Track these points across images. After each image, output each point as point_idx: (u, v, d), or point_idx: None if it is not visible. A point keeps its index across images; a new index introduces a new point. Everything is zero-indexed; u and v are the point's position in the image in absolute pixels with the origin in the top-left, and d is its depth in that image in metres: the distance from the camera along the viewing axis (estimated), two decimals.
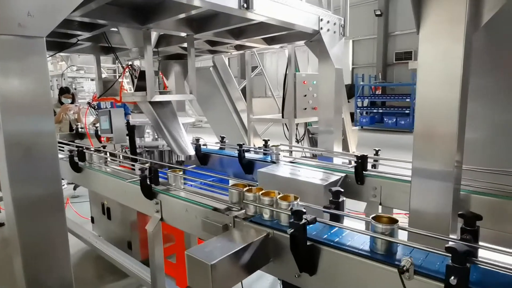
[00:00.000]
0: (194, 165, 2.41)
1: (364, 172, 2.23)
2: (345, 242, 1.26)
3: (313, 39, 3.60)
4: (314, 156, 3.75)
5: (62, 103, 6.00)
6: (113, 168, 2.55)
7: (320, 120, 3.66)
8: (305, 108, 4.67)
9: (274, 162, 2.79)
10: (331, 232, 1.34)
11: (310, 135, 6.15)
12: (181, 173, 2.01)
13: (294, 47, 4.51)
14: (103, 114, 2.97)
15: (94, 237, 3.15)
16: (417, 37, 1.67)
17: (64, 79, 10.64)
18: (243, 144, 2.97)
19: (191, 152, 3.05)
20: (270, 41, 4.12)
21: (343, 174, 2.30)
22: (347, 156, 2.48)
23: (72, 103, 6.07)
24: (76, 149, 2.92)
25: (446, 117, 1.57)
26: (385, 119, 15.42)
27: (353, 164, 2.29)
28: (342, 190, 1.49)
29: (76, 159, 2.85)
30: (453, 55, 1.53)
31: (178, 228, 1.93)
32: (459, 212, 1.17)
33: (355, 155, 2.24)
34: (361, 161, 2.20)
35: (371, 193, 2.20)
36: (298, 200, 1.51)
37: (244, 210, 1.62)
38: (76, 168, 2.86)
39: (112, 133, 2.90)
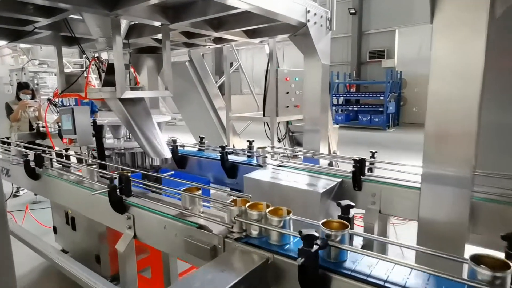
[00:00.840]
0: (173, 171, 2.13)
1: (361, 176, 2.03)
2: (368, 272, 1.03)
3: (298, 33, 3.38)
4: (293, 157, 3.55)
5: (20, 100, 5.45)
6: (77, 176, 2.21)
7: (306, 118, 3.46)
8: (287, 106, 4.46)
9: (260, 166, 2.55)
10: (344, 257, 1.11)
11: (291, 134, 5.97)
12: (159, 184, 1.71)
13: (275, 42, 4.27)
14: (65, 113, 2.61)
15: (55, 251, 2.77)
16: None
17: (24, 73, 9.84)
18: (226, 146, 2.70)
19: (168, 155, 2.75)
20: (251, 34, 3.86)
21: (339, 179, 2.09)
22: (343, 160, 2.27)
23: (32, 99, 5.53)
24: (32, 152, 2.53)
25: (463, 115, 1.39)
26: (359, 117, 15.58)
27: (348, 169, 2.09)
28: (353, 204, 1.27)
29: (32, 164, 2.47)
30: (473, 46, 1.34)
31: (155, 247, 1.64)
32: (502, 234, 0.98)
33: (353, 159, 2.04)
34: (359, 165, 2.00)
35: (369, 199, 2.01)
36: (291, 215, 1.27)
37: (234, 227, 1.36)
38: (32, 174, 2.48)
39: (75, 134, 2.54)
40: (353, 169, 2.01)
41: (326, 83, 3.41)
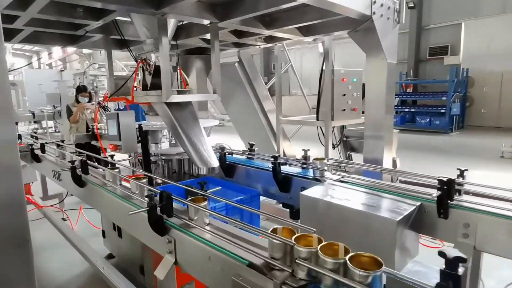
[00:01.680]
0: (219, 187, 1.89)
1: (449, 201, 1.63)
2: None
3: (360, 28, 3.00)
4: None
5: (79, 102, 5.64)
6: (120, 186, 2.06)
7: (367, 123, 3.06)
8: (344, 109, 4.06)
9: (318, 180, 2.23)
10: None
11: (345, 138, 5.53)
12: (204, 203, 1.48)
13: (332, 39, 3.91)
14: (111, 118, 2.51)
15: (100, 259, 2.69)
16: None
17: (86, 77, 10.42)
18: (278, 155, 2.42)
19: (215, 163, 2.54)
20: (305, 31, 3.54)
21: (417, 203, 1.71)
22: (426, 179, 1.87)
23: (89, 101, 5.70)
24: (79, 158, 2.45)
25: None
26: (417, 119, 14.43)
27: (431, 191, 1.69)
28: (465, 257, 0.91)
29: (79, 170, 2.39)
30: None
31: (199, 280, 1.41)
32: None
33: (438, 179, 1.64)
34: (447, 188, 1.60)
35: (460, 231, 1.60)
36: (383, 268, 0.93)
37: (294, 271, 1.07)
38: (79, 181, 2.40)
39: (120, 140, 2.42)
40: (439, 192, 1.61)
41: (391, 84, 2.99)
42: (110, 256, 3.52)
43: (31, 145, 3.43)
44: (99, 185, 2.20)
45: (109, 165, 2.41)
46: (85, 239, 3.28)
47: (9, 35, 3.20)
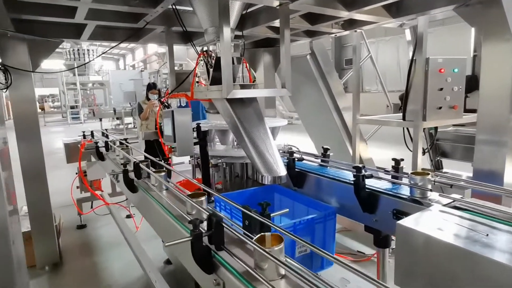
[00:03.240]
0: (287, 210, 1.46)
1: None
2: None
3: (472, 1, 2.31)
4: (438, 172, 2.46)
5: (149, 99, 5.70)
6: (171, 195, 1.76)
7: (481, 124, 2.36)
8: (440, 107, 3.31)
9: (417, 202, 1.66)
10: None
11: (435, 142, 4.67)
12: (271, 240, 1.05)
13: (427, 21, 3.19)
14: (166, 116, 2.24)
15: (154, 272, 2.46)
16: None
17: (159, 75, 10.84)
18: (363, 166, 1.89)
19: (282, 172, 2.11)
20: (394, 11, 2.92)
21: None
22: None
23: (159, 99, 5.73)
24: (133, 160, 2.23)
25: None
26: None
27: None
28: None
29: (131, 175, 2.16)
30: None
31: None
32: None
33: None
34: None
35: None
36: None
37: None
38: (131, 186, 2.17)
39: (175, 141, 2.13)
40: None
41: None
42: (168, 262, 3.34)
43: (97, 142, 3.39)
44: (149, 193, 1.92)
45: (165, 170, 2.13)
46: (143, 244, 3.13)
47: (77, 32, 3.18)
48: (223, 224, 1.17)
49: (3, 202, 0.97)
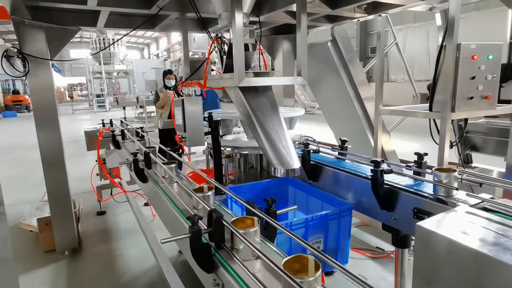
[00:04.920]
0: (295, 206, 1.37)
1: None
2: None
3: None
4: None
5: (166, 87, 5.64)
6: (180, 187, 1.70)
7: None
8: (471, 97, 3.07)
9: (441, 201, 1.52)
10: None
11: (465, 134, 4.40)
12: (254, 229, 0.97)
13: (459, 3, 2.94)
14: (177, 105, 2.17)
15: (165, 262, 2.45)
16: None
17: (180, 64, 10.88)
18: (382, 160, 1.76)
19: (296, 164, 2.01)
20: None
21: None
22: None
23: (175, 84, 5.66)
24: (144, 150, 2.19)
25: None
26: None
27: None
28: None
29: (141, 165, 2.13)
30: None
31: None
32: None
33: None
34: None
35: None
36: None
37: None
38: (141, 176, 2.14)
39: (185, 131, 2.07)
40: None
41: None
42: (180, 253, 3.34)
43: (113, 131, 3.40)
44: (157, 183, 1.88)
45: (176, 160, 2.08)
46: (158, 233, 3.13)
47: (93, 19, 3.16)
48: (223, 221, 1.09)
49: None
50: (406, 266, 1.99)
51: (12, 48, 2.94)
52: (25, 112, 21.41)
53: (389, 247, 3.43)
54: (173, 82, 5.55)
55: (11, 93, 22.67)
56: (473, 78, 3.04)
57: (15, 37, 2.97)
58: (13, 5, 2.76)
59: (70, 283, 3.10)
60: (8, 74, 2.95)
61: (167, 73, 5.67)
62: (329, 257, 0.94)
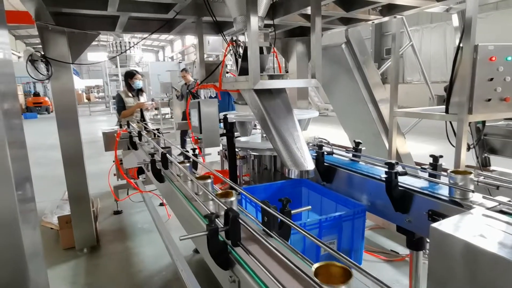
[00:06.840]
0: (309, 207, 1.39)
1: None
2: None
3: None
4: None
5: (131, 89, 5.06)
6: (190, 190, 1.74)
7: None
8: (489, 99, 3.02)
9: (456, 204, 1.51)
10: None
11: (483, 137, 4.32)
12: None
13: (477, 4, 2.90)
14: (193, 107, 2.23)
15: (181, 261, 2.49)
16: None
17: (195, 66, 11.02)
18: (396, 163, 1.76)
19: (310, 166, 2.02)
20: None
21: None
22: None
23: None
24: (161, 150, 2.25)
25: None
26: None
27: None
28: None
29: (159, 165, 2.19)
30: None
31: None
32: None
33: None
34: None
35: None
36: None
37: None
38: (158, 176, 2.20)
39: (201, 132, 2.12)
40: None
41: None
42: (197, 251, 3.39)
43: (130, 132, 3.49)
44: (174, 184, 1.93)
45: (190, 160, 2.13)
46: (173, 232, 3.18)
47: (112, 23, 3.26)
48: (240, 220, 1.13)
49: (12, 189, 1.00)
50: (421, 269, 1.98)
51: (36, 53, 3.06)
52: (45, 113, 22.04)
53: (403, 250, 3.40)
54: (141, 83, 5.04)
55: (32, 95, 23.38)
56: (491, 79, 2.99)
57: (36, 41, 3.10)
58: (37, 11, 2.87)
59: (89, 279, 3.19)
60: (33, 77, 3.08)
61: (133, 73, 4.96)
62: (345, 256, 0.96)
